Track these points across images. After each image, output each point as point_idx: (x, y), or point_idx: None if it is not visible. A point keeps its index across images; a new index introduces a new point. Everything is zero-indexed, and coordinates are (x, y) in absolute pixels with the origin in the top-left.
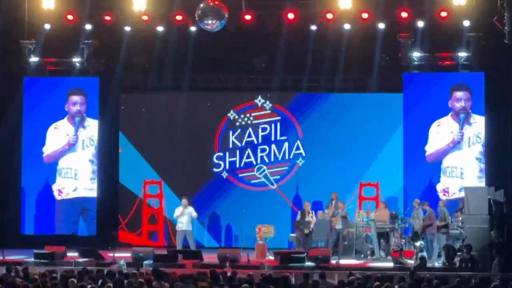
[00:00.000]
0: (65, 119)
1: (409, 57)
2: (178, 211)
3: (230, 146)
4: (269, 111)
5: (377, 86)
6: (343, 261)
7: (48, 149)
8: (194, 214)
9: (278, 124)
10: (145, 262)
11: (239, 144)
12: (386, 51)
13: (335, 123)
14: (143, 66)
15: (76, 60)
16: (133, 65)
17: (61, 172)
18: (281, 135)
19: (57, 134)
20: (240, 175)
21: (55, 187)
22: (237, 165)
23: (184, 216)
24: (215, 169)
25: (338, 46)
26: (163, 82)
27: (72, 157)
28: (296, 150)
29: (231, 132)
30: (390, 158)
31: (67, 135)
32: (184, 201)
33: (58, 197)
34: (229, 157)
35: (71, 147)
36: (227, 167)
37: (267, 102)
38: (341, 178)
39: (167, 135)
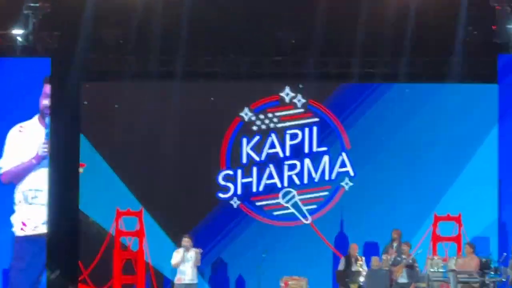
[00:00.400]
0: (35, 118)
1: (508, 31)
2: (177, 255)
3: (244, 161)
4: (301, 110)
5: (461, 73)
6: None
7: (6, 163)
8: (199, 258)
9: (315, 129)
10: None
11: (257, 158)
12: (474, 24)
13: (399, 128)
14: (117, 43)
15: (17, 32)
16: (102, 41)
17: (28, 196)
18: (319, 145)
19: (23, 140)
20: (258, 203)
21: (16, 218)
22: (254, 189)
23: (186, 264)
24: (221, 195)
25: (403, 16)
26: (146, 67)
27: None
28: (340, 167)
29: (245, 141)
30: (479, 178)
31: (36, 142)
32: (186, 240)
33: (19, 233)
34: (242, 177)
35: (41, 160)
36: (238, 191)
37: (299, 97)
38: (407, 208)
39: (152, 143)
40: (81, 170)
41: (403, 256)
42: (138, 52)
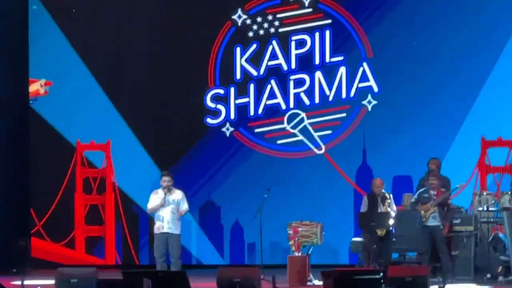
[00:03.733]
0: None
1: None
2: (155, 198)
3: (238, 76)
4: (309, 10)
5: None
6: (452, 287)
7: None
8: (184, 207)
9: (327, 34)
10: None
11: (255, 73)
12: None
13: (436, 30)
14: None
15: None
16: None
17: None
18: (332, 55)
19: None
20: (257, 130)
21: None
22: (251, 113)
23: (166, 209)
24: (210, 120)
25: None
26: None
27: None
28: (361, 81)
29: (238, 50)
30: None
31: None
32: (166, 179)
33: None
34: (236, 98)
35: None
36: (232, 116)
37: None
38: (446, 132)
39: (121, 53)
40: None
41: (433, 192)
42: None
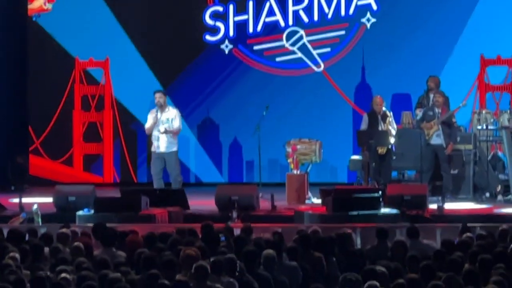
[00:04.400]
0: None
1: None
2: (150, 117)
3: None
4: None
5: None
6: (451, 206)
7: None
8: (175, 125)
9: None
10: (79, 213)
11: None
12: None
13: None
14: None
15: None
16: None
17: None
18: None
19: None
20: (256, 47)
21: None
22: (250, 29)
23: (160, 128)
24: (208, 37)
25: None
26: None
27: None
28: None
29: None
30: None
31: None
32: (158, 96)
33: None
34: (235, 15)
35: None
36: (230, 33)
37: None
38: (445, 49)
39: None
40: None
41: (437, 110)
42: None
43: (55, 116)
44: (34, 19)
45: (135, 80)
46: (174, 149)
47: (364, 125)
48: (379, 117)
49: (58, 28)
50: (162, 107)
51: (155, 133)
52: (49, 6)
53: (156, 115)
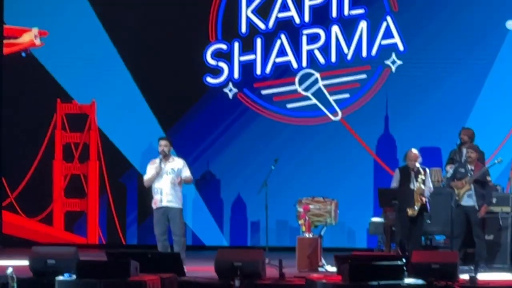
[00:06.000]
0: None
1: None
2: (151, 168)
3: (243, 30)
4: None
5: None
6: (485, 276)
7: None
8: (187, 174)
9: None
10: (59, 278)
11: (262, 26)
12: None
13: None
14: None
15: None
16: None
17: None
18: (352, 7)
19: None
20: (264, 92)
21: None
22: (258, 71)
23: (163, 179)
24: (210, 79)
25: None
26: None
27: None
28: (384, 38)
29: (245, 0)
30: None
31: None
32: (162, 144)
33: None
34: (241, 54)
35: None
36: (235, 75)
37: None
38: (479, 98)
39: (114, 2)
40: None
41: (470, 167)
42: None
43: (33, 167)
44: (23, 55)
45: (126, 126)
46: (179, 205)
47: (395, 183)
48: (412, 174)
49: (38, 66)
50: (166, 157)
51: (157, 185)
52: (38, 41)
53: (160, 165)
